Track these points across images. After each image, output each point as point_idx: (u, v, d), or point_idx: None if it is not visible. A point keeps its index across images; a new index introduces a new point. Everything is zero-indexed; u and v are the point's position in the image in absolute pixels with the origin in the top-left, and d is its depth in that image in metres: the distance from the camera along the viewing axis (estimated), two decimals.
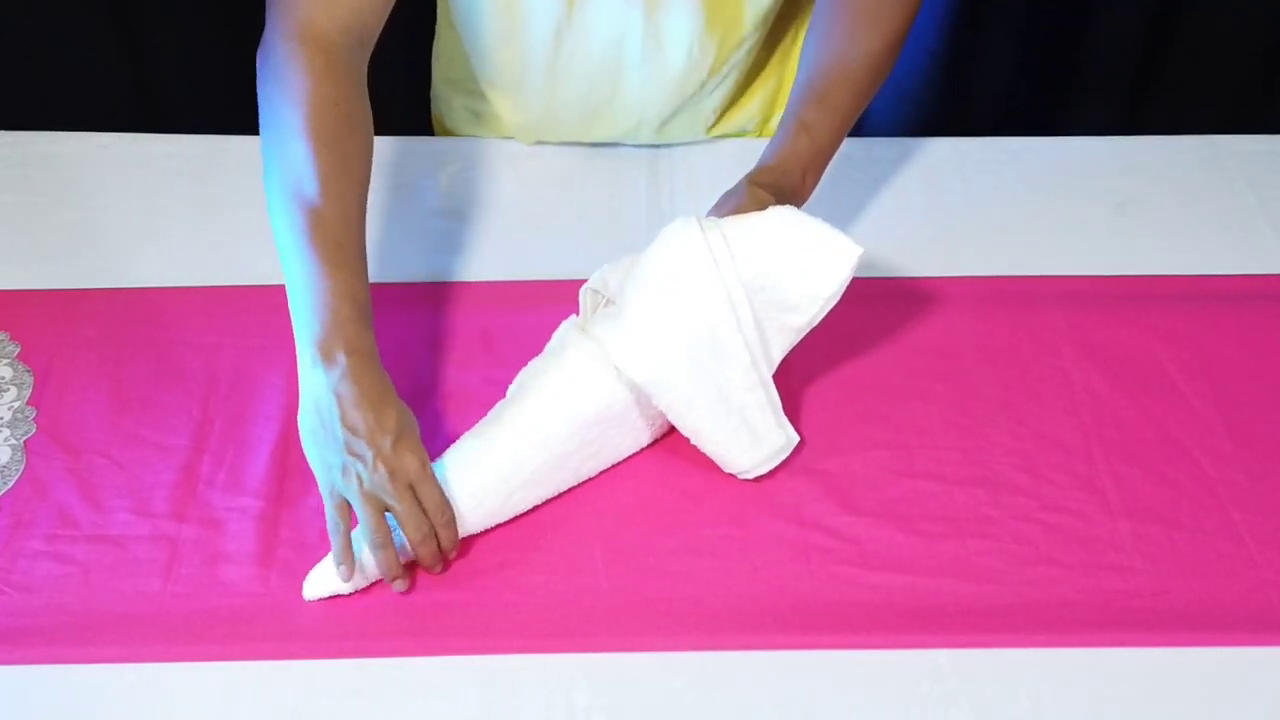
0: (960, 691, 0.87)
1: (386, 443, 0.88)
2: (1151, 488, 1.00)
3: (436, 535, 0.90)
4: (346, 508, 0.90)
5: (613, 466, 1.00)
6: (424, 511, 0.89)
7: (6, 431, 1.02)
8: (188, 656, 0.88)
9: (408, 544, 0.90)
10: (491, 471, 0.93)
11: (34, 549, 0.94)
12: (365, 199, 0.96)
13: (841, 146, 1.18)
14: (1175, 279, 1.17)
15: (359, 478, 0.88)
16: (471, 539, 0.94)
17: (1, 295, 1.13)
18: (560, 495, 0.97)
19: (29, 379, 1.06)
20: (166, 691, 0.86)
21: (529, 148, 1.30)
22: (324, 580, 0.91)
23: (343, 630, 0.90)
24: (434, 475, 0.90)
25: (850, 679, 0.88)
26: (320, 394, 0.89)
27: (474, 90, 1.29)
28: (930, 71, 1.82)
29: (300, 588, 0.91)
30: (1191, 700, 0.87)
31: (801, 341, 1.10)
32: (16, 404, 1.04)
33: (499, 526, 0.95)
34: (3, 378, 1.06)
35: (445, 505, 0.90)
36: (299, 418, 0.91)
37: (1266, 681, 0.89)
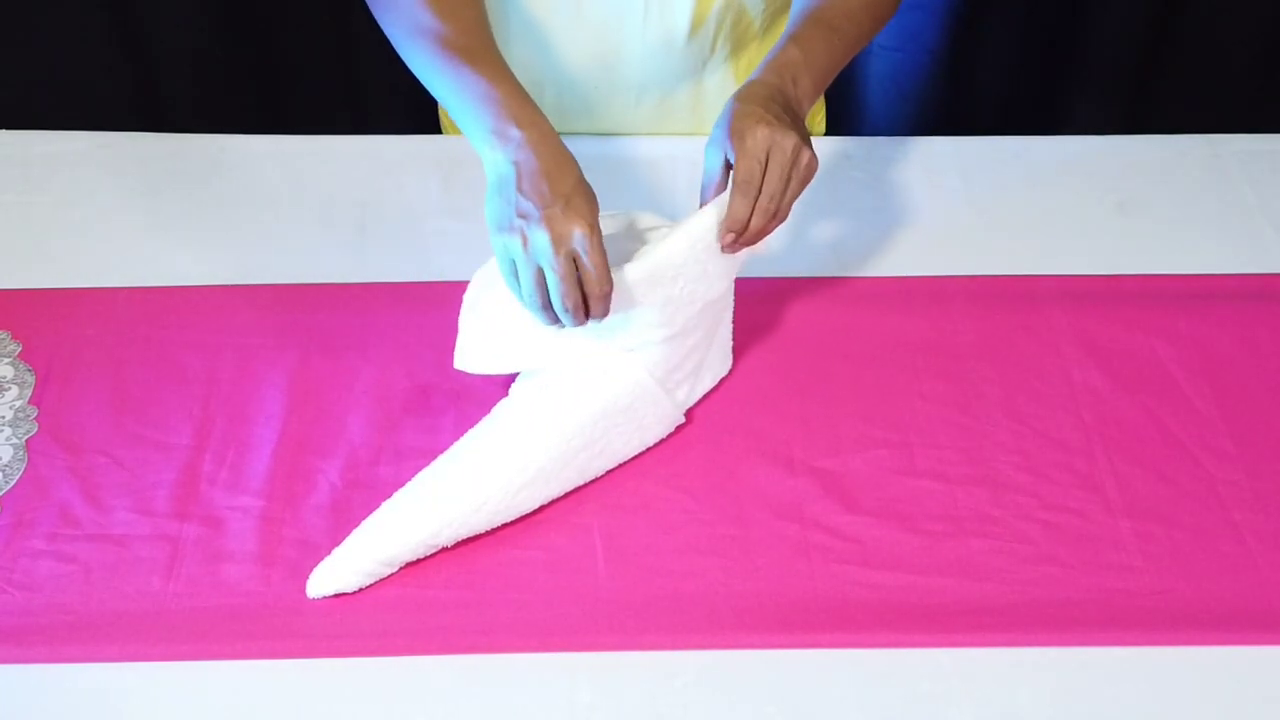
0: (961, 690, 0.87)
1: (557, 207, 0.88)
2: (1152, 487, 1.00)
3: (589, 304, 0.90)
4: (511, 265, 0.91)
5: (615, 465, 1.00)
6: (579, 279, 0.89)
7: (8, 431, 1.02)
8: (189, 655, 0.88)
9: (554, 302, 0.90)
10: (497, 470, 0.93)
11: (35, 548, 0.94)
12: (482, 12, 1.01)
13: (841, 146, 1.18)
14: (1175, 278, 1.17)
15: (524, 238, 0.89)
16: (472, 538, 0.94)
17: (2, 295, 1.13)
18: (562, 494, 0.97)
19: (30, 378, 1.06)
20: (168, 691, 0.87)
21: None
22: (328, 578, 0.91)
23: (343, 630, 0.90)
24: (600, 244, 0.89)
25: (851, 678, 0.88)
26: (502, 169, 0.91)
27: None
28: (930, 71, 1.82)
29: (302, 587, 0.91)
30: (1191, 700, 0.87)
31: (802, 340, 1.10)
32: (18, 403, 1.04)
33: (501, 525, 0.95)
34: (4, 377, 1.06)
35: (605, 277, 0.89)
36: (486, 201, 0.93)
37: (1266, 681, 0.89)
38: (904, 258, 1.19)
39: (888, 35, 1.75)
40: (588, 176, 1.25)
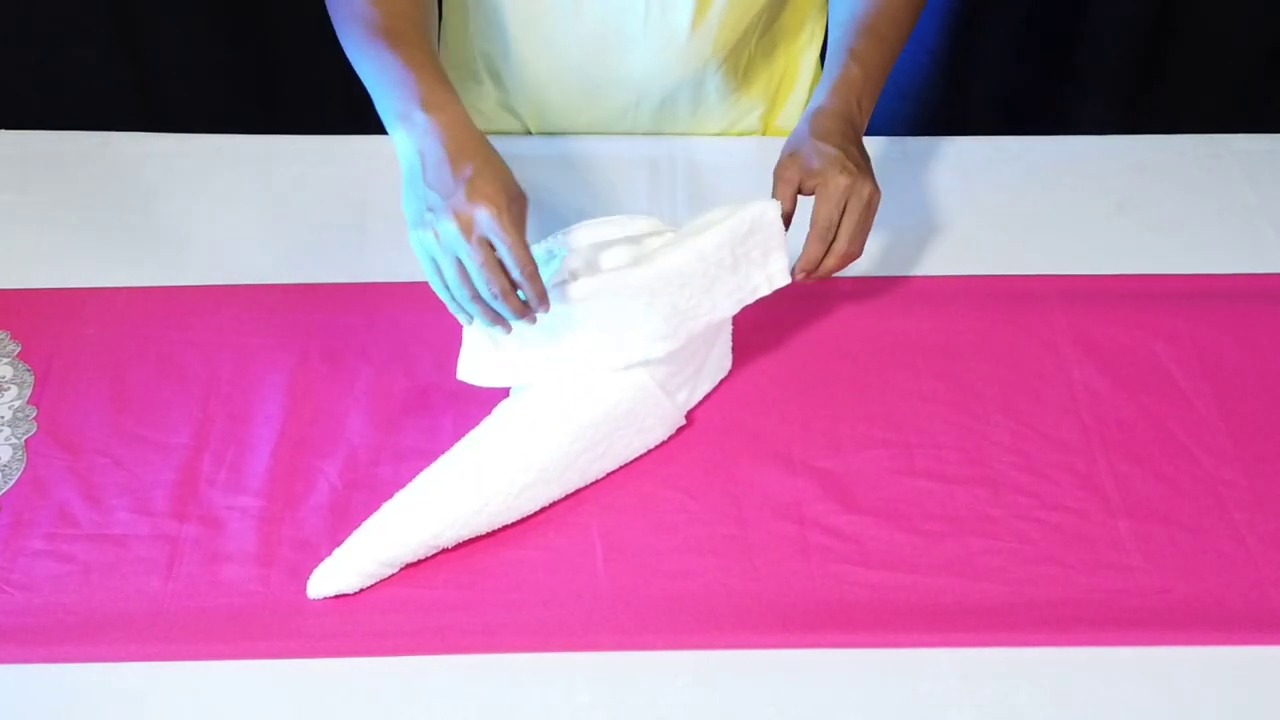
0: (961, 690, 0.87)
1: (460, 193, 0.86)
2: (1152, 486, 1.00)
3: (523, 290, 0.88)
4: (430, 259, 0.89)
5: (616, 468, 1.00)
6: (501, 265, 0.87)
7: (7, 430, 1.02)
8: (188, 655, 0.88)
9: (481, 293, 0.87)
10: (499, 472, 0.93)
11: (35, 548, 0.94)
12: (429, 6, 1.00)
13: None
14: (1175, 278, 1.17)
15: (435, 232, 0.87)
16: (472, 538, 0.94)
17: (2, 295, 1.13)
18: (563, 496, 0.97)
19: (29, 378, 1.06)
20: (167, 691, 0.87)
21: (529, 147, 1.30)
22: (329, 579, 0.91)
23: (343, 630, 0.90)
24: (512, 222, 0.86)
25: (850, 678, 0.88)
26: (410, 158, 0.90)
27: (477, 73, 1.29)
28: (930, 71, 1.82)
29: (301, 587, 0.91)
30: (1191, 699, 0.87)
31: (802, 340, 1.10)
32: (17, 403, 1.04)
33: (502, 526, 0.95)
34: (3, 377, 1.06)
35: (526, 259, 0.87)
36: (402, 196, 0.91)
37: (1266, 681, 0.89)
38: (904, 258, 1.19)
39: None
40: (588, 177, 1.26)
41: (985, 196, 1.26)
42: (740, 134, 1.32)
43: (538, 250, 0.98)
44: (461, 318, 0.92)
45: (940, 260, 1.19)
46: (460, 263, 0.88)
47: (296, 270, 1.16)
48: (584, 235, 0.98)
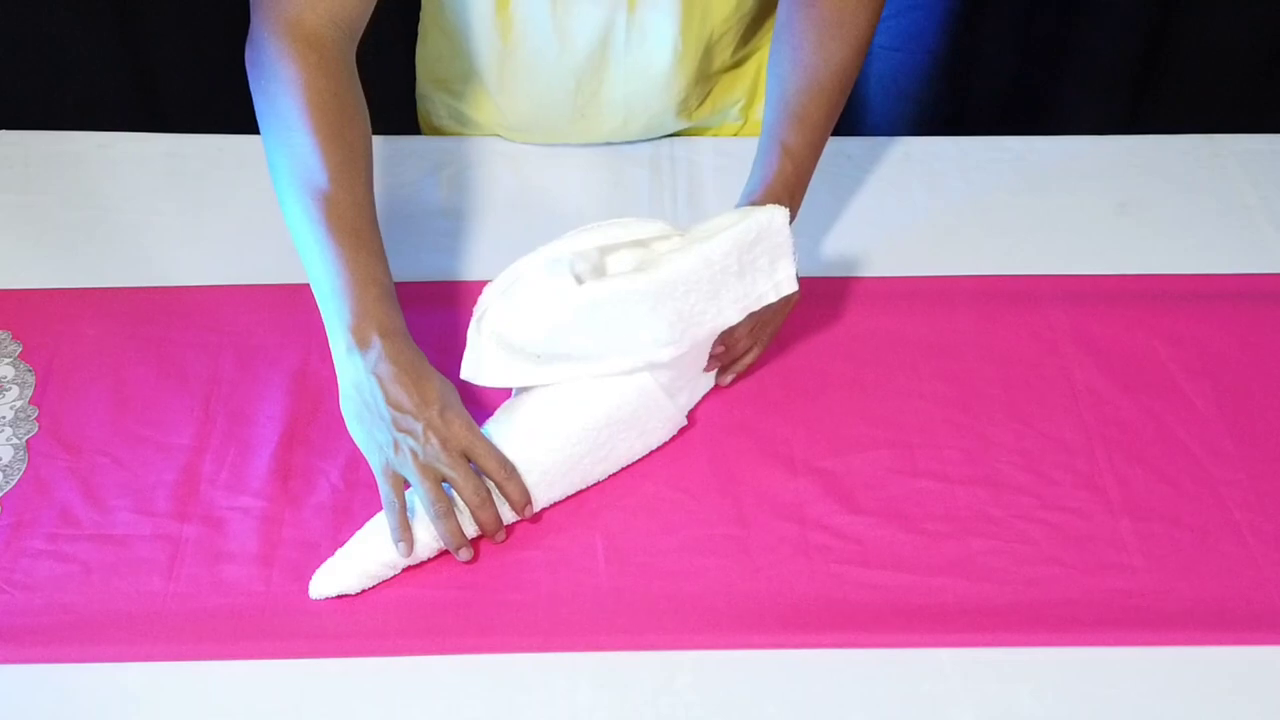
0: (962, 690, 0.87)
1: (434, 413, 0.89)
2: (1153, 487, 1.00)
3: (504, 493, 0.92)
4: (401, 484, 0.91)
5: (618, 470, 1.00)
6: (479, 476, 0.91)
7: (9, 431, 1.02)
8: (189, 656, 0.88)
9: (468, 510, 0.91)
10: None
11: (36, 548, 0.94)
12: (372, 185, 0.98)
13: (841, 145, 1.18)
14: (1176, 278, 1.17)
15: (412, 452, 0.89)
16: (473, 539, 0.94)
17: (3, 295, 1.13)
18: (564, 498, 0.97)
19: (31, 378, 1.06)
20: (168, 691, 0.87)
21: (528, 146, 1.30)
22: (331, 579, 0.91)
23: (343, 630, 0.90)
24: (485, 437, 0.92)
25: (852, 678, 0.88)
26: (359, 378, 0.90)
27: (458, 91, 1.29)
28: (930, 71, 1.82)
29: (303, 587, 0.91)
30: (1192, 700, 0.87)
31: (803, 341, 1.10)
32: (18, 403, 1.04)
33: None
34: (5, 377, 1.06)
35: (504, 462, 0.92)
36: (341, 403, 0.92)
37: (1267, 681, 0.89)
38: (904, 258, 1.19)
39: (888, 35, 1.75)
40: (586, 178, 1.26)
41: (985, 196, 1.26)
42: (720, 129, 1.32)
43: (544, 252, 0.98)
44: (401, 548, 0.91)
45: (940, 260, 1.19)
46: (435, 480, 0.90)
47: (296, 270, 1.15)
48: (590, 238, 0.98)
